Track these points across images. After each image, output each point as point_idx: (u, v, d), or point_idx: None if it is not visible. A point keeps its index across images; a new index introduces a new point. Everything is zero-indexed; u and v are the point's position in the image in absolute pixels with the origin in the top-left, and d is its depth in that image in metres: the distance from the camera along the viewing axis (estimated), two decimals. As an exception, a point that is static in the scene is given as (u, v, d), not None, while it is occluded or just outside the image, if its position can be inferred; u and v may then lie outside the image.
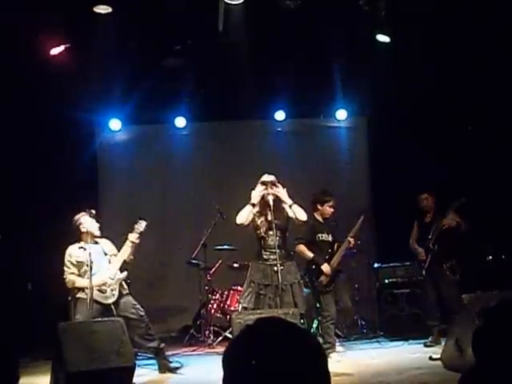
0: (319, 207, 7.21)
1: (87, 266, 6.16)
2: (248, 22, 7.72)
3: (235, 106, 9.35)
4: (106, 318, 5.97)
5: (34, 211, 8.44)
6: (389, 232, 8.46)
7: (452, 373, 5.42)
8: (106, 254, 6.49)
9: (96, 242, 6.45)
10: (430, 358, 6.35)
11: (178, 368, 6.49)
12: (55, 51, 7.98)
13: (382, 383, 5.71)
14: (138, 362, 6.20)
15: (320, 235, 7.15)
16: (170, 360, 6.61)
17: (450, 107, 8.75)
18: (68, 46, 7.98)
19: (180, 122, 9.74)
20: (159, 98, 9.19)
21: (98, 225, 6.44)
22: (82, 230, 6.31)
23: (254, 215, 6.22)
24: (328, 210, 7.20)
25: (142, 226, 6.41)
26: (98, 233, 6.42)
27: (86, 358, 5.27)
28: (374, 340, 7.88)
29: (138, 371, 5.79)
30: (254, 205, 6.14)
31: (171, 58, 8.71)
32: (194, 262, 8.57)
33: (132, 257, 6.46)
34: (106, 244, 6.57)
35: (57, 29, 7.72)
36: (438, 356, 6.03)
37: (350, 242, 7.18)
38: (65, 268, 6.31)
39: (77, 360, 5.23)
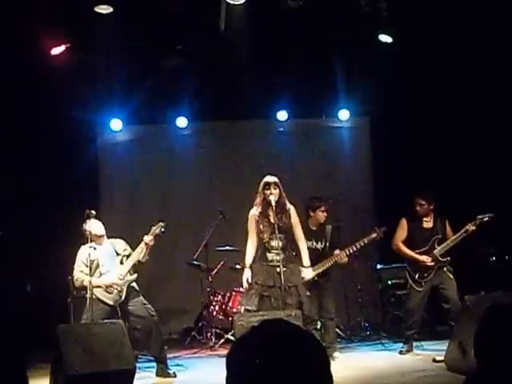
0: (311, 214, 7.10)
1: (97, 264, 6.29)
2: (250, 22, 7.69)
3: (237, 106, 9.31)
4: (106, 321, 5.94)
5: (34, 211, 8.41)
6: (391, 232, 8.40)
7: (456, 375, 5.39)
8: (118, 254, 6.54)
9: (111, 238, 6.56)
10: (434, 360, 6.30)
11: (175, 375, 6.44)
12: (56, 51, 7.95)
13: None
14: (138, 364, 6.16)
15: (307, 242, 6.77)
16: (169, 367, 6.54)
17: (453, 107, 8.70)
18: (69, 45, 7.96)
19: (181, 121, 9.70)
20: (160, 98, 9.17)
21: (100, 223, 6.49)
22: (88, 234, 6.33)
23: (257, 218, 6.18)
24: (320, 215, 7.08)
25: (158, 228, 6.47)
26: (102, 232, 6.46)
27: (86, 361, 5.23)
28: (378, 342, 7.82)
29: (138, 374, 5.74)
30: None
31: (172, 57, 8.68)
32: (196, 263, 8.51)
33: (148, 257, 6.50)
34: (120, 244, 6.62)
35: (58, 28, 7.70)
36: (442, 358, 5.98)
37: (337, 256, 7.04)
38: (75, 266, 6.40)
39: (76, 362, 5.19)
